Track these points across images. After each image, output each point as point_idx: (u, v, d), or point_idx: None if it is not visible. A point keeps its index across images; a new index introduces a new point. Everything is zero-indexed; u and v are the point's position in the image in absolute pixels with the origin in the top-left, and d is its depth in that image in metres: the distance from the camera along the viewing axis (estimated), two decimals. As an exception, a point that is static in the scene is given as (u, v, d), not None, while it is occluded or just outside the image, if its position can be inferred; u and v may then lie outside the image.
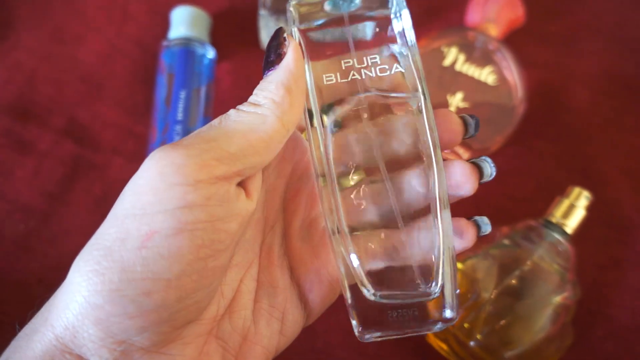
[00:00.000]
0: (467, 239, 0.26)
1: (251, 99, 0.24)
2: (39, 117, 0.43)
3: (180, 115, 0.40)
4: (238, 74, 0.46)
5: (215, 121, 0.23)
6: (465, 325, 0.33)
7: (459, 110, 0.42)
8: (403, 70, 0.26)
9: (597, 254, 0.42)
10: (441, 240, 0.25)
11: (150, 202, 0.20)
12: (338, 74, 0.26)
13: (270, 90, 0.24)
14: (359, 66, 0.26)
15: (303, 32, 0.26)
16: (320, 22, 0.26)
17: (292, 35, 0.25)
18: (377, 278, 0.25)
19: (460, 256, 0.36)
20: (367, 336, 0.25)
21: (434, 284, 0.25)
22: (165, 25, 0.46)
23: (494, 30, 0.44)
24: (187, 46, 0.42)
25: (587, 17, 0.50)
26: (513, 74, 0.43)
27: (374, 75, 0.26)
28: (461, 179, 0.25)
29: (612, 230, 0.43)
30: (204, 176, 0.21)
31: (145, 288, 0.20)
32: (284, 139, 0.24)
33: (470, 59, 0.43)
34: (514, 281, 0.34)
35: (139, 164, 0.41)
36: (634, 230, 0.43)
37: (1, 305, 0.38)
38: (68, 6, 0.47)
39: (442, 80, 0.42)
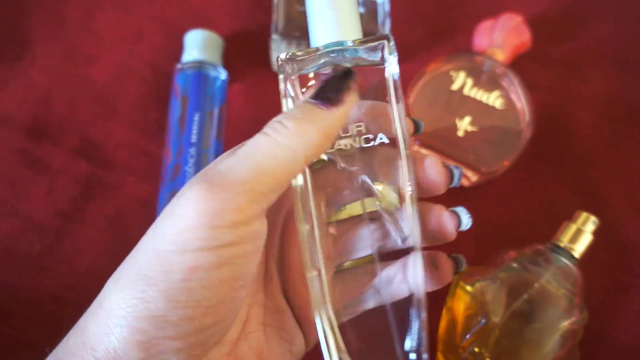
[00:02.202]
0: (443, 275, 0.27)
1: (289, 123, 0.24)
2: (53, 136, 0.44)
3: (194, 138, 0.40)
4: (250, 95, 0.47)
5: (245, 152, 0.23)
6: (476, 349, 0.34)
7: (467, 134, 0.42)
8: (387, 142, 0.26)
9: (601, 277, 0.42)
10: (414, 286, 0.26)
11: (191, 240, 0.22)
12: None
13: (311, 125, 0.23)
14: (344, 135, 0.26)
15: (301, 78, 0.26)
16: (312, 69, 0.26)
17: (355, 85, 0.25)
18: (356, 332, 0.26)
19: (470, 279, 0.36)
20: None
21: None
22: (178, 45, 0.47)
23: (501, 55, 0.45)
24: (200, 69, 0.43)
25: (591, 43, 0.51)
26: (520, 98, 0.43)
27: (358, 145, 0.26)
28: (439, 225, 0.27)
29: (616, 254, 0.43)
30: (240, 219, 0.22)
31: (187, 314, 0.22)
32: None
33: (478, 83, 0.44)
34: (522, 305, 0.34)
35: (152, 183, 0.42)
36: (638, 254, 0.43)
37: (16, 323, 0.38)
38: (82, 27, 0.48)
39: (450, 104, 0.43)
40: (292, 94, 0.26)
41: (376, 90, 0.27)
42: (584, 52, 0.51)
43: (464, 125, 0.43)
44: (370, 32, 0.43)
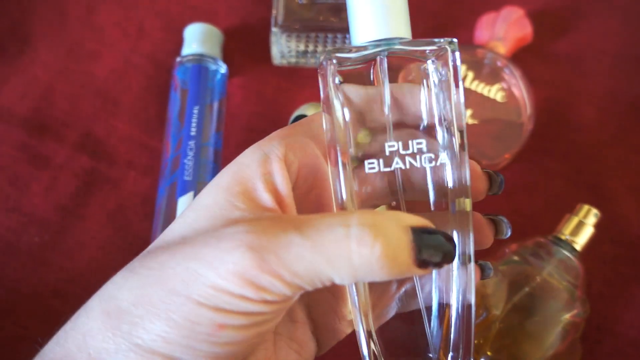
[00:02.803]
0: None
1: (377, 243, 0.20)
2: (54, 132, 0.44)
3: (193, 131, 0.40)
4: (249, 89, 0.47)
5: (320, 241, 0.21)
6: (476, 341, 0.34)
7: (468, 127, 0.42)
8: (449, 162, 0.24)
9: (604, 271, 0.42)
10: (457, 296, 0.25)
11: (226, 302, 0.21)
12: (381, 161, 0.24)
13: (381, 270, 0.21)
14: (404, 152, 0.24)
15: (339, 73, 0.25)
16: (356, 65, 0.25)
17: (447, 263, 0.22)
18: (390, 345, 0.25)
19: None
20: None
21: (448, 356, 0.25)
22: (178, 41, 0.47)
23: (503, 48, 0.45)
24: (200, 62, 0.43)
25: (593, 36, 0.51)
26: (521, 91, 0.43)
27: (419, 165, 0.24)
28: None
29: (619, 247, 0.43)
30: (280, 299, 0.21)
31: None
32: None
33: (479, 76, 0.44)
34: (524, 298, 0.34)
35: (153, 178, 0.42)
36: (641, 247, 0.43)
37: (17, 317, 0.38)
38: (84, 22, 0.48)
39: (451, 97, 0.43)
40: (341, 98, 0.25)
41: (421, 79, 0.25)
42: (586, 46, 0.50)
43: (465, 118, 0.42)
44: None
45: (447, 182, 0.25)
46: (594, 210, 0.37)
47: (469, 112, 0.43)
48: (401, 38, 0.24)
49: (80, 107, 0.45)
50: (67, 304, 0.39)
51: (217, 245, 0.21)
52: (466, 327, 0.25)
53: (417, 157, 0.24)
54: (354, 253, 0.20)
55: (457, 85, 0.25)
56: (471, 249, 0.25)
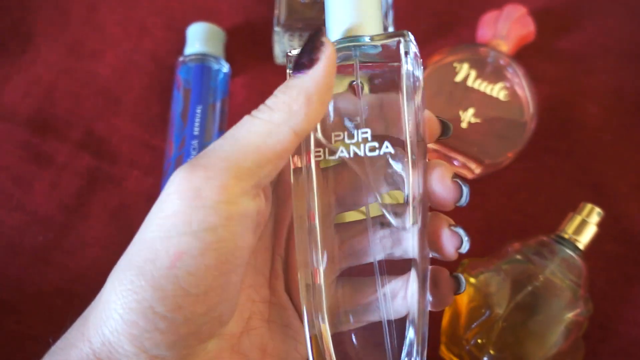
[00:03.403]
0: (442, 295, 0.26)
1: (269, 101, 0.23)
2: (57, 131, 0.44)
3: (196, 130, 0.40)
4: (252, 88, 0.47)
5: (229, 132, 0.23)
6: (479, 340, 0.34)
7: (471, 126, 0.42)
8: (392, 152, 0.25)
9: (607, 270, 0.42)
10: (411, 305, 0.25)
11: (175, 225, 0.21)
12: (326, 150, 0.25)
13: (290, 96, 0.23)
14: (349, 141, 0.25)
15: None
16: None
17: (329, 41, 0.24)
18: (349, 345, 0.25)
19: (473, 271, 0.36)
20: None
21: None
22: (180, 40, 0.47)
23: (505, 47, 0.44)
24: (202, 62, 0.43)
25: (597, 34, 0.51)
26: (524, 90, 0.43)
27: (362, 154, 0.25)
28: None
29: (622, 246, 0.43)
30: (224, 197, 0.22)
31: (175, 304, 0.21)
32: (296, 147, 0.24)
33: (481, 74, 0.43)
34: (526, 297, 0.34)
35: (156, 177, 0.42)
36: (645, 246, 0.43)
37: (20, 317, 0.38)
38: (86, 21, 0.48)
39: (453, 96, 0.43)
40: None
41: (393, 88, 0.25)
42: (589, 44, 0.50)
43: (468, 117, 0.42)
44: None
45: (395, 175, 0.25)
46: (597, 209, 0.37)
47: (471, 110, 0.43)
48: (366, 35, 0.25)
49: (83, 106, 0.45)
50: (70, 302, 0.39)
51: (161, 194, 0.23)
52: (419, 335, 0.25)
53: (361, 145, 0.25)
54: (256, 119, 0.23)
55: (410, 92, 0.25)
56: (416, 255, 0.25)
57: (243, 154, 0.22)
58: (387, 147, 0.25)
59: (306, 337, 0.25)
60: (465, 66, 0.44)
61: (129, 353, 0.21)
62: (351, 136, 0.25)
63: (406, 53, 0.25)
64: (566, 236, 0.36)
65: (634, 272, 0.42)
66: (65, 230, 0.41)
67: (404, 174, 0.25)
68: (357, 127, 0.25)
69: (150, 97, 0.46)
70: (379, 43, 0.25)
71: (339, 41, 0.25)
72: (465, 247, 0.25)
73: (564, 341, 0.34)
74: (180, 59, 0.44)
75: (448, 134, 0.26)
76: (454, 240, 0.25)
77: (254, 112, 0.23)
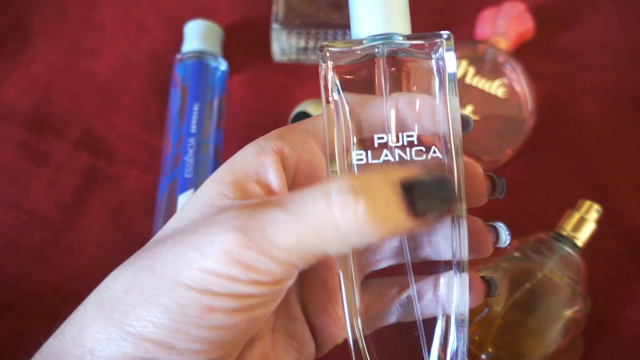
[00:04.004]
0: (475, 298, 0.25)
1: (360, 199, 0.19)
2: (54, 129, 0.44)
3: (194, 128, 0.40)
4: (250, 86, 0.47)
5: (301, 209, 0.20)
6: (477, 338, 0.34)
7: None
8: (441, 157, 0.24)
9: (606, 267, 0.42)
10: (454, 306, 0.24)
11: (214, 284, 0.20)
12: (369, 153, 0.24)
13: (377, 224, 0.20)
14: (393, 145, 0.24)
15: (337, 69, 0.24)
16: (355, 61, 0.24)
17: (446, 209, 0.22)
18: (383, 345, 0.25)
19: (472, 268, 0.36)
20: None
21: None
22: (179, 38, 0.46)
23: (504, 44, 0.44)
24: (200, 59, 0.43)
25: (596, 31, 0.50)
26: (523, 87, 0.43)
27: (409, 158, 0.24)
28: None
29: (621, 243, 0.43)
30: (270, 280, 0.21)
31: (195, 348, 0.21)
32: None
33: (480, 72, 0.43)
34: (525, 294, 0.34)
35: (153, 175, 0.42)
36: (644, 243, 0.43)
37: (18, 315, 0.38)
38: (84, 20, 0.48)
39: (452, 93, 0.43)
40: (339, 86, 0.24)
41: (422, 84, 0.25)
42: (588, 41, 0.50)
43: (466, 113, 0.42)
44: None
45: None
46: (596, 206, 0.37)
47: (470, 107, 0.42)
48: (399, 34, 0.24)
49: (81, 104, 0.45)
50: (67, 301, 0.38)
51: (205, 229, 0.21)
52: (457, 342, 0.24)
53: (407, 149, 0.24)
54: (338, 219, 0.19)
55: (452, 88, 0.24)
56: (464, 257, 0.24)
57: (304, 254, 0.21)
58: (435, 152, 0.24)
59: (350, 342, 0.24)
60: (464, 63, 0.44)
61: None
62: (396, 139, 0.24)
63: (447, 51, 0.24)
64: (564, 233, 0.36)
65: (632, 269, 0.42)
66: (62, 229, 0.41)
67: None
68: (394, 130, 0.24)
69: (148, 96, 0.46)
70: (410, 42, 0.24)
71: (368, 39, 0.24)
72: (507, 241, 0.25)
73: (562, 338, 0.34)
74: (178, 56, 0.44)
75: (469, 129, 0.26)
76: (492, 236, 0.25)
77: (335, 199, 0.20)
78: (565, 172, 0.45)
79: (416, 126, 0.24)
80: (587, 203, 0.37)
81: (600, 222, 0.37)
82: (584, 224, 0.36)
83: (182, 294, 0.21)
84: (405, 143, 0.24)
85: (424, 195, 0.20)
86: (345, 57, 0.24)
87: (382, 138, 0.24)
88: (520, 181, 0.44)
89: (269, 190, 0.24)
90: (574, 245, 0.36)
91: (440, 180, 0.21)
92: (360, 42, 0.24)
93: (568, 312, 0.34)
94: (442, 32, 0.24)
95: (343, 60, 0.24)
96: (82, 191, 0.42)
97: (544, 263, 0.35)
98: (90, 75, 0.46)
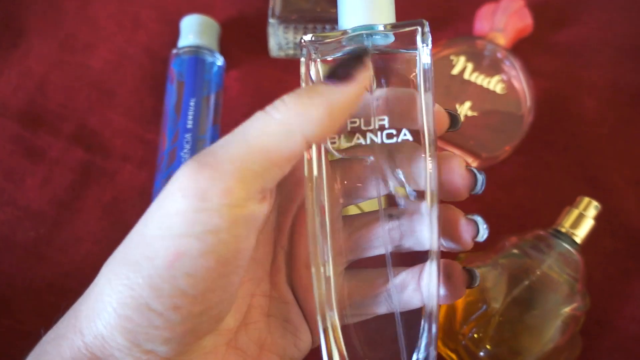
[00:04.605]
0: (455, 288, 0.25)
1: (287, 97, 0.22)
2: (49, 124, 0.44)
3: (190, 123, 0.40)
4: (246, 82, 0.46)
5: (240, 129, 0.22)
6: (475, 335, 0.33)
7: (467, 119, 0.42)
8: (411, 139, 0.24)
9: (605, 265, 0.42)
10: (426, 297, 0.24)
11: (177, 224, 0.21)
12: (342, 137, 0.25)
13: (313, 104, 0.22)
14: (365, 128, 0.24)
15: (324, 63, 0.25)
16: (338, 53, 0.25)
17: (369, 62, 0.23)
18: (365, 334, 0.25)
19: (470, 265, 0.36)
20: None
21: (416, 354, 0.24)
22: (174, 32, 0.46)
23: (502, 40, 0.44)
24: (196, 54, 0.42)
25: (595, 28, 0.50)
26: (521, 83, 0.43)
27: (379, 141, 0.24)
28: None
29: (620, 240, 0.43)
30: (229, 200, 0.21)
31: (172, 303, 0.21)
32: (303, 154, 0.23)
33: (478, 67, 0.43)
34: (523, 291, 0.34)
35: (149, 171, 0.42)
36: (642, 240, 0.43)
37: (13, 312, 0.38)
38: (79, 14, 0.48)
39: (450, 89, 0.43)
40: (314, 78, 0.25)
41: (404, 79, 0.25)
42: (587, 37, 0.50)
43: (464, 110, 0.42)
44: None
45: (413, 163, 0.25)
46: (595, 203, 0.37)
47: (468, 103, 0.42)
48: (381, 24, 0.24)
49: (75, 99, 0.45)
50: (62, 298, 0.38)
51: (165, 187, 0.22)
52: (428, 329, 0.24)
53: (378, 132, 0.24)
54: (273, 116, 0.22)
55: (428, 81, 0.24)
56: (434, 246, 0.24)
57: (251, 156, 0.21)
58: (405, 135, 0.24)
59: (319, 330, 0.24)
60: (462, 59, 0.43)
61: (122, 347, 0.21)
62: (367, 123, 0.25)
63: (423, 43, 0.24)
64: (563, 230, 0.36)
65: (631, 266, 0.42)
66: (57, 225, 0.41)
67: (421, 164, 0.25)
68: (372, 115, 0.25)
69: (143, 91, 0.45)
70: (392, 32, 0.24)
71: (351, 29, 0.24)
72: (483, 236, 0.25)
73: (560, 336, 0.34)
74: (174, 51, 0.43)
75: (457, 127, 0.26)
76: (471, 229, 0.25)
77: (268, 109, 0.22)
78: (564, 169, 0.45)
79: (402, 119, 0.25)
80: (586, 200, 0.37)
81: (598, 218, 0.37)
82: (583, 220, 0.36)
83: (149, 245, 0.21)
84: (377, 127, 0.24)
85: (336, 65, 0.22)
86: (331, 49, 0.25)
87: (355, 122, 0.25)
88: (518, 178, 0.44)
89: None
90: (573, 242, 0.36)
91: (352, 49, 0.23)
92: (344, 32, 0.25)
93: (567, 310, 0.34)
94: (417, 20, 0.24)
95: (329, 55, 0.25)
96: (77, 187, 0.42)
97: (542, 260, 0.35)
98: (85, 70, 0.46)
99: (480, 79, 0.43)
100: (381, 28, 0.24)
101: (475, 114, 0.42)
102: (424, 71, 0.24)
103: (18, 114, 0.44)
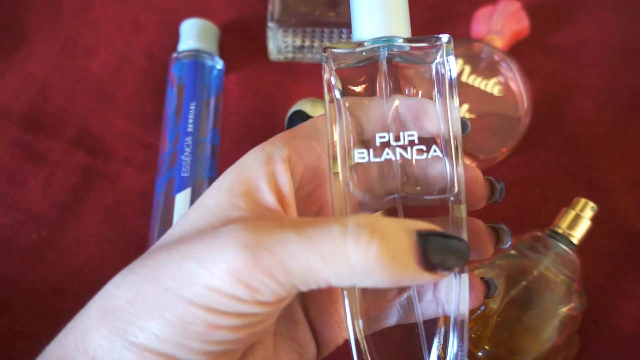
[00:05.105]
0: (474, 298, 0.25)
1: (376, 237, 0.20)
2: (50, 128, 0.44)
3: (190, 127, 0.40)
4: (246, 85, 0.47)
5: (311, 235, 0.20)
6: (473, 335, 0.34)
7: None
8: (441, 156, 0.24)
9: (602, 264, 0.42)
10: (454, 307, 0.24)
11: (218, 302, 0.20)
12: (371, 151, 0.24)
13: (380, 266, 0.20)
14: (395, 144, 0.24)
15: (339, 72, 0.25)
16: (356, 63, 0.25)
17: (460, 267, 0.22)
18: (384, 346, 0.25)
19: (470, 266, 0.36)
20: None
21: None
22: (174, 35, 0.46)
23: (499, 42, 0.44)
24: (196, 58, 0.43)
25: (591, 29, 0.51)
26: (519, 85, 0.43)
27: (410, 157, 0.24)
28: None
29: (616, 240, 0.43)
30: (273, 301, 0.21)
31: (196, 359, 0.21)
32: None
33: (476, 70, 0.43)
34: (521, 292, 0.34)
35: (150, 174, 0.42)
36: (638, 240, 0.43)
37: (15, 315, 0.38)
38: (79, 18, 0.48)
39: (448, 92, 0.43)
40: (341, 88, 0.25)
41: (422, 88, 0.25)
42: (583, 38, 0.50)
43: (462, 112, 0.42)
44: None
45: (443, 176, 0.25)
46: (591, 204, 0.37)
47: (465, 106, 0.43)
48: (399, 37, 0.24)
49: (76, 103, 0.45)
50: (64, 300, 0.39)
51: (211, 243, 0.21)
52: (458, 342, 0.24)
53: (408, 148, 0.24)
54: (349, 251, 0.19)
55: (451, 91, 0.25)
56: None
57: (309, 278, 0.20)
58: (435, 151, 0.24)
59: (351, 341, 0.24)
60: (460, 62, 0.44)
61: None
62: (397, 138, 0.24)
63: (448, 55, 0.25)
64: (560, 231, 0.36)
65: (628, 266, 0.42)
66: (59, 228, 0.41)
67: (448, 174, 0.24)
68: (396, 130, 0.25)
69: (144, 94, 0.46)
70: (411, 45, 0.25)
71: (369, 42, 0.24)
72: (508, 242, 0.26)
73: (558, 336, 0.34)
74: (174, 55, 0.43)
75: (466, 132, 0.26)
76: (492, 237, 0.26)
77: (350, 233, 0.20)
78: (561, 170, 0.45)
79: (416, 127, 0.25)
80: (583, 201, 0.37)
81: (595, 219, 0.37)
82: (580, 221, 0.36)
83: (186, 309, 0.21)
84: (407, 142, 0.24)
85: (437, 249, 0.21)
86: (347, 59, 0.25)
87: (384, 137, 0.24)
88: (515, 179, 0.44)
89: (281, 199, 0.23)
90: (570, 243, 0.36)
91: (455, 239, 0.21)
92: (361, 44, 0.24)
93: (564, 310, 0.34)
94: (441, 35, 0.25)
95: (344, 63, 0.25)
96: (79, 190, 0.42)
97: (539, 261, 0.35)
98: (85, 74, 0.46)
99: (477, 82, 0.43)
100: (400, 42, 0.24)
101: (473, 116, 0.42)
102: (450, 82, 0.24)
103: (20, 118, 0.44)
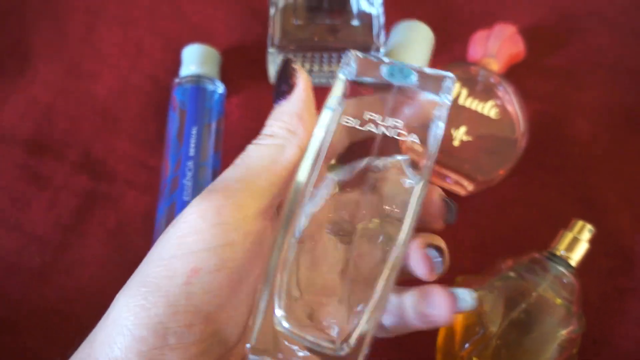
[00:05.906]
0: (442, 310, 0.25)
1: (266, 130, 0.26)
2: (54, 151, 0.45)
3: (192, 151, 0.41)
4: (247, 108, 0.47)
5: (238, 160, 0.25)
6: (474, 358, 0.34)
7: (463, 143, 0.43)
8: (418, 142, 0.26)
9: (600, 284, 0.42)
10: (370, 310, 0.24)
11: (194, 242, 0.22)
12: (356, 120, 0.26)
13: (284, 121, 0.26)
14: (380, 122, 0.26)
15: (350, 82, 0.27)
16: (370, 80, 0.27)
17: (299, 65, 0.27)
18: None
19: (468, 286, 0.36)
20: (252, 357, 0.24)
21: (345, 345, 0.24)
22: (177, 60, 0.47)
23: (496, 65, 0.45)
24: (198, 83, 0.43)
25: (586, 50, 0.51)
26: (515, 108, 0.44)
27: (390, 135, 0.26)
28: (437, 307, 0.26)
29: (614, 260, 0.43)
30: (242, 214, 0.23)
31: (187, 320, 0.22)
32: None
33: (472, 93, 0.44)
34: (520, 314, 0.35)
35: (152, 197, 0.43)
36: (636, 260, 0.43)
37: (19, 335, 0.39)
38: (84, 42, 0.49)
39: (446, 114, 0.44)
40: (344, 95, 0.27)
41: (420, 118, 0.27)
42: (579, 60, 0.51)
43: (460, 134, 0.43)
44: (365, 44, 0.44)
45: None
46: (589, 226, 0.37)
47: (463, 128, 0.43)
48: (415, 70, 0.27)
49: (80, 126, 0.46)
50: (68, 321, 0.39)
51: (177, 216, 0.23)
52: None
53: (390, 129, 0.26)
54: (258, 145, 0.26)
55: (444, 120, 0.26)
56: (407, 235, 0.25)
57: (257, 174, 0.24)
58: (414, 137, 0.26)
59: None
60: (457, 85, 0.44)
61: None
62: (384, 120, 0.26)
63: (448, 90, 0.27)
64: (558, 253, 0.37)
65: (626, 285, 0.43)
66: (62, 250, 0.41)
67: (413, 186, 0.25)
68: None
69: (147, 118, 0.46)
70: (420, 71, 0.27)
71: (387, 60, 0.27)
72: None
73: (558, 358, 0.34)
74: (176, 80, 0.44)
75: (452, 220, 0.27)
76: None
77: (256, 141, 0.26)
78: (558, 190, 0.46)
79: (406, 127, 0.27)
80: (580, 223, 0.37)
81: (592, 238, 0.37)
82: (577, 244, 0.37)
83: (168, 265, 0.22)
84: (391, 125, 0.26)
85: (276, 85, 0.27)
86: (367, 72, 0.27)
87: (372, 116, 0.26)
88: (513, 199, 0.45)
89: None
90: (568, 265, 0.36)
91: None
92: (381, 60, 0.27)
93: (563, 333, 0.34)
94: (447, 74, 0.27)
95: (361, 78, 0.27)
96: (82, 212, 0.43)
97: (538, 283, 0.36)
98: (89, 97, 0.47)
99: (474, 104, 0.44)
100: (414, 78, 0.26)
101: (470, 138, 0.43)
102: (443, 112, 0.26)
103: (24, 141, 0.45)
